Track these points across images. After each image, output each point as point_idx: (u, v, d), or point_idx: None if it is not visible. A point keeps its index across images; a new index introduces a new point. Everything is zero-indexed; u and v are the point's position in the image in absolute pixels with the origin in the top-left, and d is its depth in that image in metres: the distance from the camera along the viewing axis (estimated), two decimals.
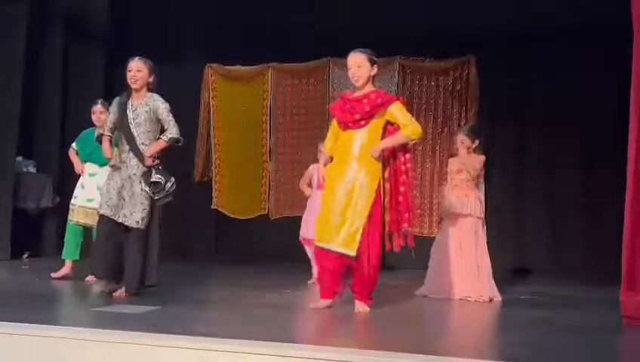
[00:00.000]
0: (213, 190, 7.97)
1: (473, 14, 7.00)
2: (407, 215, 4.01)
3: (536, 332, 3.70)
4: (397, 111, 4.02)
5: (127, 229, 4.32)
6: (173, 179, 4.36)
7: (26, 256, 6.91)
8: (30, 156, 7.30)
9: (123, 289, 4.31)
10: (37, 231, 7.27)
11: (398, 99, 4.13)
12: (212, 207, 7.91)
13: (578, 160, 7.05)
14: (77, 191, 5.47)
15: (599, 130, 6.80)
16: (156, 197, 4.33)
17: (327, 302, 4.03)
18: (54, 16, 7.66)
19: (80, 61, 7.88)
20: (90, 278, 5.02)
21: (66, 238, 5.45)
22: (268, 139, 7.94)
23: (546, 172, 7.38)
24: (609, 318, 3.93)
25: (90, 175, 5.41)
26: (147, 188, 4.30)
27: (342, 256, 3.91)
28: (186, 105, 8.03)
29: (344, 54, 7.40)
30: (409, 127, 4.01)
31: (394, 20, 7.16)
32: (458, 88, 7.37)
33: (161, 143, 4.43)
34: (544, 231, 7.19)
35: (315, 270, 5.72)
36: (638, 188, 3.75)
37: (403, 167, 4.05)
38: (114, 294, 4.30)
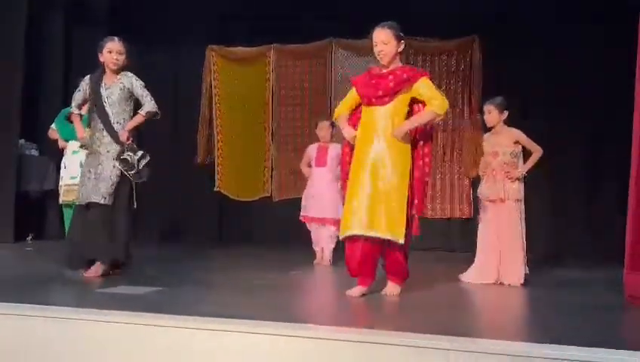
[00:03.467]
0: (216, 172, 7.97)
1: None
2: (415, 201, 3.81)
3: (539, 312, 3.70)
4: (423, 87, 3.79)
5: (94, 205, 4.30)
6: (140, 154, 4.32)
7: (29, 238, 6.93)
8: (32, 139, 7.30)
9: (96, 266, 4.34)
10: (40, 214, 7.30)
11: (425, 75, 3.87)
12: (215, 189, 7.91)
13: (581, 140, 7.02)
14: (61, 172, 5.56)
15: (603, 110, 6.75)
16: (130, 174, 4.31)
17: (364, 289, 3.83)
18: (56, 3, 7.62)
19: (81, 44, 7.83)
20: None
21: (65, 221, 5.50)
22: (270, 120, 7.91)
23: (549, 152, 7.31)
24: (611, 298, 3.93)
25: (74, 152, 5.49)
26: (119, 166, 4.29)
27: (384, 241, 3.73)
28: (187, 87, 8.02)
29: (347, 35, 7.39)
30: (435, 102, 3.75)
31: (398, 0, 7.09)
32: (462, 68, 7.33)
33: (139, 118, 4.41)
34: (545, 211, 7.15)
35: (318, 250, 5.73)
36: None
37: (421, 162, 3.82)
38: (85, 274, 4.30)
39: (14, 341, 2.93)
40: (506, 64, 6.94)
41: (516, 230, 4.67)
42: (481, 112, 7.16)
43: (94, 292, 3.82)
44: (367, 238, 3.74)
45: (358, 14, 7.20)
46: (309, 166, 5.88)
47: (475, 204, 7.31)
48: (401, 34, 3.89)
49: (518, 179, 4.70)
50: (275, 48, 7.84)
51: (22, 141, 7.11)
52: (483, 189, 4.80)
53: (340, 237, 3.94)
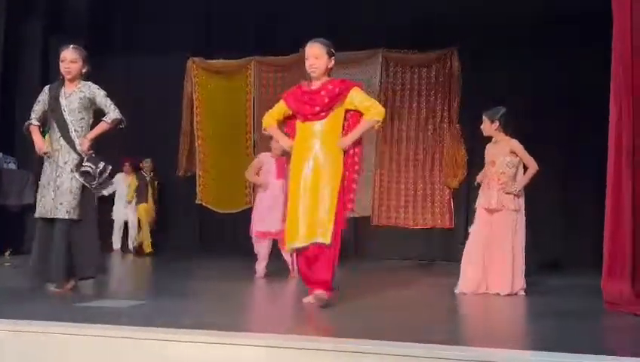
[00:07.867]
0: (197, 185, 7.95)
1: (456, 6, 7.02)
2: (351, 196, 3.97)
3: (521, 319, 3.73)
4: (357, 97, 3.95)
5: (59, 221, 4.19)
6: (102, 165, 4.23)
7: (7, 253, 6.84)
8: (10, 153, 7.21)
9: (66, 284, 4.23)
10: (19, 228, 7.19)
11: (356, 85, 4.03)
12: (196, 201, 7.89)
13: (560, 151, 7.10)
14: None
15: (581, 120, 6.85)
16: (92, 186, 4.22)
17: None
18: (34, 11, 7.56)
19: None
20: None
21: None
22: (252, 132, 7.92)
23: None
24: (591, 304, 3.98)
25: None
26: (80, 178, 4.19)
27: (316, 245, 3.83)
28: (169, 99, 8.00)
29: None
30: (372, 110, 3.93)
31: (378, 12, 7.18)
32: (441, 80, 7.42)
33: (104, 125, 4.30)
34: (527, 221, 7.24)
35: (260, 265, 5.52)
36: (618, 179, 3.81)
37: (351, 160, 3.98)
38: (50, 290, 4.19)
39: None
40: (485, 75, 7.03)
41: (507, 240, 4.62)
42: (460, 122, 7.32)
43: (76, 307, 3.78)
44: (308, 248, 3.85)
45: (339, 26, 7.28)
46: (258, 174, 5.58)
47: (458, 214, 7.41)
48: (333, 50, 4.00)
49: (511, 193, 4.67)
50: (255, 60, 7.86)
51: (0, 154, 7.04)
52: (479, 198, 4.81)
53: (288, 250, 4.07)
